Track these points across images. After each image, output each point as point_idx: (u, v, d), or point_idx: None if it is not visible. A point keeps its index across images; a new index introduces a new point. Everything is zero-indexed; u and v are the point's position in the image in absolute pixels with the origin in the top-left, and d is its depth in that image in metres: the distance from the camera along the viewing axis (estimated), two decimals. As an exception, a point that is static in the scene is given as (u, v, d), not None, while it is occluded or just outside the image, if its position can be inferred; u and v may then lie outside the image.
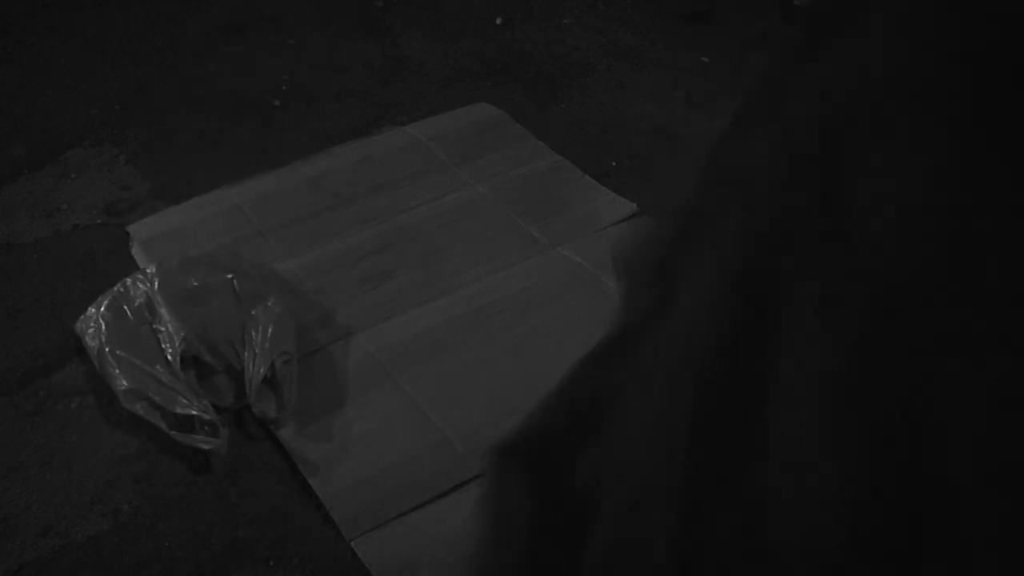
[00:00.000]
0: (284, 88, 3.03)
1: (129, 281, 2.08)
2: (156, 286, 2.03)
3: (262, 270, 2.21)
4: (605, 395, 0.64)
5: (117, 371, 1.89)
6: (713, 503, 0.53)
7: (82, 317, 2.05)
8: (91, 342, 1.98)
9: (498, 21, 3.37)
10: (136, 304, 2.02)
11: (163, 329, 1.95)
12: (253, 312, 1.99)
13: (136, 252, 2.35)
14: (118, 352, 1.92)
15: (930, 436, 0.44)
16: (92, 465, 1.86)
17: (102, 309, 2.02)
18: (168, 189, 2.58)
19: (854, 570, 0.48)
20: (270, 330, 1.95)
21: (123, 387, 1.86)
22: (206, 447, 1.79)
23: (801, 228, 0.50)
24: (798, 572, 0.50)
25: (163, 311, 1.98)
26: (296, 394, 1.92)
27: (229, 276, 2.07)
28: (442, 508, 1.75)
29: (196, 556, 1.70)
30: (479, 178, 2.54)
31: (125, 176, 2.65)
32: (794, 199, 0.51)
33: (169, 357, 1.90)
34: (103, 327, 1.98)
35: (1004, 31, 0.44)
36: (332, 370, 2.02)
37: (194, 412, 1.82)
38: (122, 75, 3.12)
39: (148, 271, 2.09)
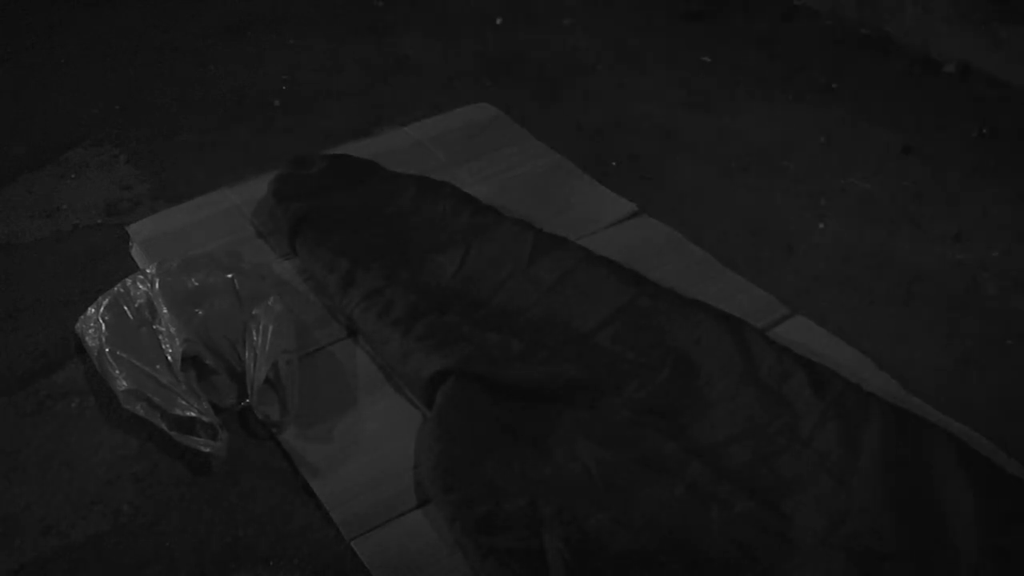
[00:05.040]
0: (284, 88, 3.03)
1: (129, 281, 2.08)
2: (156, 286, 2.03)
3: (262, 270, 2.21)
4: None
5: (117, 371, 1.89)
6: None
7: (82, 317, 2.05)
8: (91, 342, 1.98)
9: (498, 21, 3.38)
10: (136, 304, 2.02)
11: (163, 330, 1.95)
12: (254, 312, 1.99)
13: (136, 252, 2.35)
14: (118, 353, 1.92)
15: None
16: (92, 465, 1.86)
17: (102, 309, 2.02)
18: (168, 189, 2.58)
19: None
20: (271, 329, 1.95)
21: (123, 388, 1.87)
22: (205, 449, 1.79)
23: None
24: None
25: (164, 312, 1.98)
26: (298, 395, 1.92)
27: (229, 276, 2.07)
28: (442, 508, 1.76)
29: (196, 556, 1.70)
30: (479, 178, 2.54)
31: (125, 176, 2.65)
32: None
33: (169, 358, 1.90)
34: (103, 327, 1.98)
35: None
36: (332, 371, 2.02)
37: (193, 414, 1.82)
38: (122, 75, 3.12)
39: (148, 271, 2.09)
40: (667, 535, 1.64)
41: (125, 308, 2.02)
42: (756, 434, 1.81)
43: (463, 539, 1.62)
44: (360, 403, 1.95)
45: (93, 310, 2.04)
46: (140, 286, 2.06)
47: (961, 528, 1.61)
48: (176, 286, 2.04)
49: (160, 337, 1.95)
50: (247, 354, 1.93)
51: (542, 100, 2.95)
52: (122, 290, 2.06)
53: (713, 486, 1.71)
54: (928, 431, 1.78)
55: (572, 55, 3.18)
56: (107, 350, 1.93)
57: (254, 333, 1.95)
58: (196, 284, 2.05)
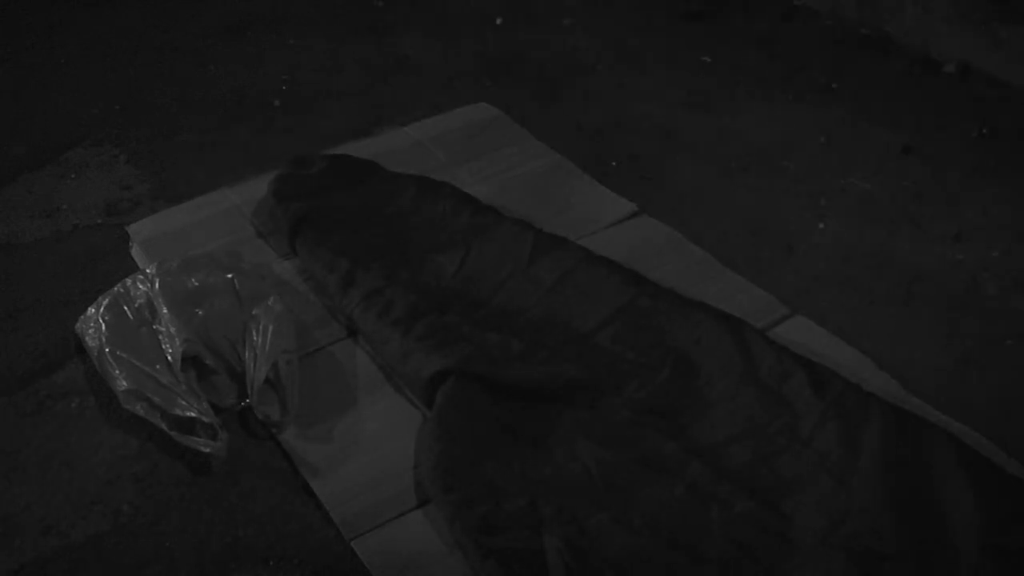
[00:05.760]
0: (284, 88, 3.03)
1: (129, 281, 2.08)
2: (156, 286, 2.03)
3: (262, 270, 2.21)
4: None
5: (117, 372, 1.89)
6: None
7: (82, 317, 2.05)
8: (91, 342, 1.98)
9: (498, 21, 3.38)
10: (136, 304, 2.02)
11: (163, 330, 1.95)
12: (254, 312, 1.99)
13: (136, 252, 2.35)
14: (118, 353, 1.92)
15: None
16: (92, 465, 1.86)
17: (102, 309, 2.02)
18: (168, 189, 2.58)
19: None
20: (271, 329, 1.95)
21: (123, 388, 1.86)
22: (205, 450, 1.79)
23: None
24: None
25: (164, 312, 1.98)
26: (298, 395, 1.92)
27: (229, 276, 2.07)
28: (442, 508, 1.75)
29: (196, 556, 1.70)
30: (479, 178, 2.54)
31: (125, 176, 2.65)
32: None
33: (169, 358, 1.90)
34: (103, 327, 1.98)
35: None
36: (332, 370, 2.02)
37: (193, 414, 1.82)
38: (122, 75, 3.12)
39: (148, 271, 2.09)
40: (667, 535, 1.64)
41: (125, 308, 2.02)
42: (756, 434, 1.81)
43: (463, 539, 1.62)
44: (360, 403, 1.95)
45: (93, 310, 2.04)
46: (140, 286, 2.06)
47: (961, 528, 1.61)
48: (176, 286, 2.04)
49: (160, 337, 1.95)
50: (247, 354, 1.93)
51: (542, 100, 2.95)
52: (122, 290, 2.06)
53: (713, 486, 1.71)
54: (928, 431, 1.78)
55: (572, 55, 3.18)
56: (107, 350, 1.93)
57: (254, 333, 1.95)
58: (196, 284, 2.05)
